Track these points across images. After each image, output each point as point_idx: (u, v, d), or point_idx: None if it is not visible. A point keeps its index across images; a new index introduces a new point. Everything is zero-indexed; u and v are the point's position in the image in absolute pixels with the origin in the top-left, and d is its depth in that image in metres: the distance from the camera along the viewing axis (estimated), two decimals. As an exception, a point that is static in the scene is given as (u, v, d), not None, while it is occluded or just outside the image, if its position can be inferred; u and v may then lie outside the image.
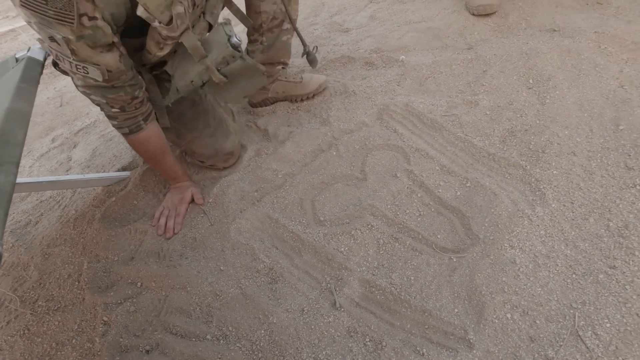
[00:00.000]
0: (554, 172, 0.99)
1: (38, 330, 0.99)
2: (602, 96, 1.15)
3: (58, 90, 2.08)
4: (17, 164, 0.73)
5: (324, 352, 0.81)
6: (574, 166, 1.00)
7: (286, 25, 1.24)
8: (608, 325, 0.72)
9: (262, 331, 0.87)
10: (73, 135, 1.68)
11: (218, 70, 1.03)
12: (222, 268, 1.00)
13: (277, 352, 0.83)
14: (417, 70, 1.39)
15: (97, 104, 0.96)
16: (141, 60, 1.03)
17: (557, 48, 1.31)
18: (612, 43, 1.30)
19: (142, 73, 1.06)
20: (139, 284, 1.02)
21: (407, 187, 1.05)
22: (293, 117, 1.37)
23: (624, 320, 0.72)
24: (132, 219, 1.19)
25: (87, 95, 0.93)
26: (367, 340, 0.81)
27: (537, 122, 1.12)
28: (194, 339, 0.89)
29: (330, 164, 1.16)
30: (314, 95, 1.38)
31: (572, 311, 0.76)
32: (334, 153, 1.19)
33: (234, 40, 1.04)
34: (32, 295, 1.07)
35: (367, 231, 0.99)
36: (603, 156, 1.00)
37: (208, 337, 0.88)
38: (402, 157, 1.14)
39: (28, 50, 1.05)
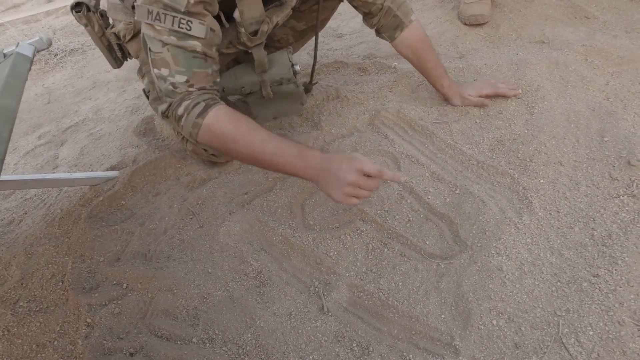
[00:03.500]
0: (541, 181, 1.01)
1: (18, 332, 0.96)
2: (589, 108, 1.17)
3: (46, 87, 2.05)
4: (2, 161, 0.72)
5: (310, 357, 0.80)
6: (560, 176, 1.02)
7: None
8: (591, 333, 0.74)
9: (249, 335, 0.86)
10: (60, 133, 1.65)
11: (269, 87, 1.11)
12: (209, 270, 0.99)
13: (263, 356, 0.82)
14: (409, 77, 1.40)
15: (167, 88, 0.87)
16: None
17: (545, 59, 1.33)
18: (598, 56, 1.33)
19: None
20: (125, 285, 1.00)
21: (397, 193, 1.06)
22: (285, 120, 1.37)
23: (606, 328, 0.73)
24: (119, 219, 1.17)
25: (165, 66, 0.85)
26: (354, 345, 0.81)
27: (526, 131, 1.14)
28: (179, 342, 0.88)
29: (321, 168, 1.16)
30: None
31: (556, 318, 0.77)
32: (325, 157, 1.19)
33: (297, 68, 1.18)
34: (13, 296, 1.05)
35: (357, 236, 0.99)
36: (588, 166, 1.02)
37: (194, 340, 0.87)
38: (392, 163, 1.15)
39: (17, 46, 1.04)
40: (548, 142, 1.09)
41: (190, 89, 0.87)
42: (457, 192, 1.03)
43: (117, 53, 1.23)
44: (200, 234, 1.08)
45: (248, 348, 0.84)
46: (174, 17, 0.82)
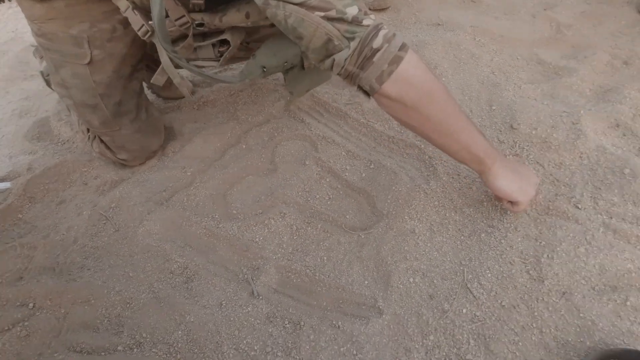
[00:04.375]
0: (443, 149, 1.11)
1: None
2: (479, 81, 1.31)
3: None
4: None
5: (244, 341, 0.81)
6: (458, 143, 1.13)
7: None
8: (489, 275, 0.84)
9: (180, 332, 0.84)
10: None
11: None
12: (130, 274, 0.94)
13: (196, 351, 0.81)
14: (321, 62, 1.44)
15: (351, 25, 0.70)
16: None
17: (441, 40, 1.46)
18: (484, 36, 1.49)
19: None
20: (31, 305, 0.90)
21: (317, 174, 1.10)
22: (199, 113, 1.33)
23: (501, 269, 0.84)
24: (17, 235, 1.05)
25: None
26: (286, 322, 0.83)
27: (428, 106, 1.24)
28: (102, 353, 0.82)
29: (240, 158, 1.15)
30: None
31: (461, 268, 0.87)
32: (244, 146, 1.19)
33: None
34: None
35: (280, 219, 1.01)
36: (481, 133, 1.15)
37: (119, 348, 0.83)
38: (310, 145, 1.18)
39: None
40: (447, 114, 1.20)
41: (372, 17, 0.73)
42: (372, 166, 1.10)
43: None
44: (117, 239, 1.01)
45: (179, 345, 0.82)
46: None
